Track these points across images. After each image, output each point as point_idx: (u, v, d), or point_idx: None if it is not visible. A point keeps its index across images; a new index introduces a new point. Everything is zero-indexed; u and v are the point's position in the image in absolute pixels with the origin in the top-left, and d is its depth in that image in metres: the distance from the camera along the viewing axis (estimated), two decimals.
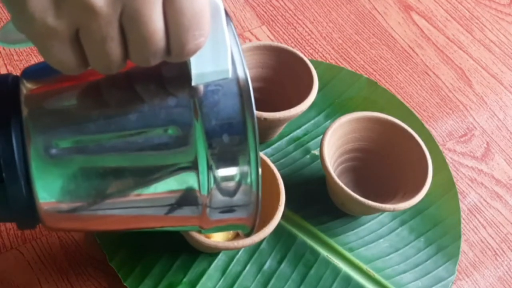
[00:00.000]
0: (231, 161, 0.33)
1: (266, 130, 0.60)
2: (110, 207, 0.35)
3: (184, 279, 0.52)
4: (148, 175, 0.34)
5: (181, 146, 0.33)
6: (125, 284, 0.51)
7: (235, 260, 0.54)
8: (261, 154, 0.53)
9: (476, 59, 0.74)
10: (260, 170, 0.33)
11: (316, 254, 0.55)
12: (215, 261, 0.53)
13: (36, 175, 0.33)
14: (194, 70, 0.31)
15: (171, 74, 0.33)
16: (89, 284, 0.52)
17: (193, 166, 0.33)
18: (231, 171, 0.33)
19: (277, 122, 0.56)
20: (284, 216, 0.50)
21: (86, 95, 0.34)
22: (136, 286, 0.51)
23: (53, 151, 0.33)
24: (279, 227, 0.50)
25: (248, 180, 0.33)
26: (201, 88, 0.32)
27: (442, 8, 0.79)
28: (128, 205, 0.35)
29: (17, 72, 0.66)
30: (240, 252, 0.54)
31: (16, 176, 0.33)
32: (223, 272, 0.53)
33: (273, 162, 0.54)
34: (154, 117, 0.33)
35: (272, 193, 0.51)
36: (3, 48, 0.68)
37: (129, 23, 0.27)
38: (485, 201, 0.62)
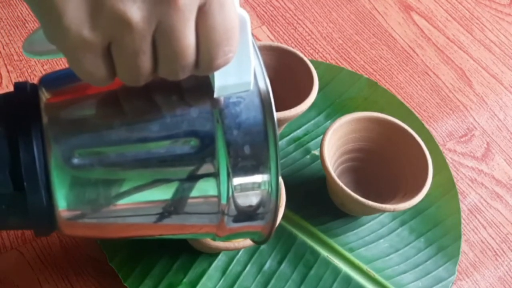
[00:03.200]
0: (252, 171, 0.33)
1: None
2: (130, 214, 0.35)
3: (184, 280, 0.52)
4: (169, 184, 0.34)
5: (202, 157, 0.33)
6: (125, 284, 0.51)
7: (235, 260, 0.54)
8: None
9: (477, 59, 0.74)
10: (280, 178, 0.33)
11: (316, 255, 0.55)
12: (215, 262, 0.53)
13: (57, 184, 0.33)
14: (217, 83, 0.31)
15: (192, 84, 0.33)
16: (89, 284, 0.52)
17: (214, 176, 0.33)
18: (251, 180, 0.33)
19: (277, 123, 0.56)
20: (284, 217, 0.50)
21: (106, 105, 0.35)
22: (136, 286, 0.51)
23: (74, 160, 0.33)
24: (279, 227, 0.50)
25: (268, 189, 0.34)
26: (223, 99, 0.33)
27: (442, 8, 0.79)
28: (148, 213, 0.36)
29: (17, 73, 0.66)
30: (240, 253, 0.54)
31: (37, 185, 0.33)
32: (223, 272, 0.53)
33: None
34: (176, 128, 0.33)
35: None
36: (3, 48, 0.68)
37: (162, 38, 0.27)
38: (485, 201, 0.62)
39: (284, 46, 0.60)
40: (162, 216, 0.36)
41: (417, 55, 0.73)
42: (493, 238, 0.59)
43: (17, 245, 0.54)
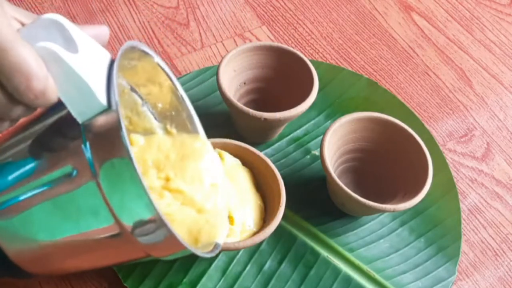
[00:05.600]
0: (124, 190, 0.34)
1: (266, 131, 0.60)
2: (61, 250, 0.39)
3: (185, 280, 0.52)
4: (68, 219, 0.37)
5: (83, 188, 0.35)
6: (125, 285, 0.51)
7: (235, 260, 0.54)
8: (262, 154, 0.53)
9: (477, 60, 0.74)
10: (149, 196, 0.33)
11: (316, 255, 0.55)
12: (215, 262, 0.53)
13: None
14: (72, 111, 0.34)
15: (65, 118, 0.36)
16: (89, 284, 0.52)
17: (100, 199, 0.35)
18: (128, 197, 0.34)
19: (277, 123, 0.56)
20: (284, 217, 0.50)
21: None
22: (136, 287, 0.51)
23: None
24: (279, 227, 0.50)
25: (142, 205, 0.34)
26: (90, 123, 0.35)
27: (443, 8, 0.79)
28: (70, 247, 0.38)
29: None
30: (240, 253, 0.54)
31: None
32: (223, 272, 0.53)
33: (274, 163, 0.54)
34: (52, 165, 0.36)
35: (272, 194, 0.51)
36: None
37: None
38: (486, 201, 0.62)
39: (284, 46, 0.60)
40: (82, 247, 0.38)
41: (417, 55, 0.73)
42: (493, 238, 0.59)
43: None
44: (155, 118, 0.47)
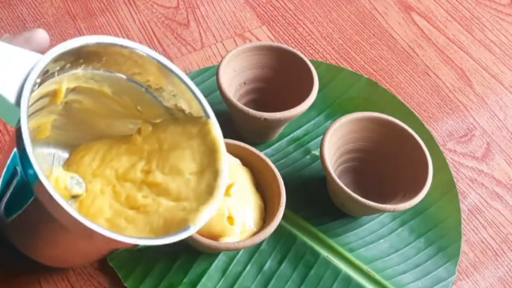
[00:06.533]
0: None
1: (266, 131, 0.60)
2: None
3: (185, 279, 0.52)
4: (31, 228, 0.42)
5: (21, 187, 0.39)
6: (125, 285, 0.51)
7: (235, 260, 0.54)
8: (262, 154, 0.53)
9: (477, 60, 0.74)
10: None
11: (316, 255, 0.55)
12: (216, 262, 0.53)
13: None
14: (5, 120, 0.38)
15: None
16: (89, 284, 0.52)
17: None
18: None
19: (277, 123, 0.56)
20: (284, 217, 0.50)
21: None
22: (136, 287, 0.51)
23: None
24: (279, 227, 0.50)
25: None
26: (17, 127, 0.37)
27: (443, 8, 0.79)
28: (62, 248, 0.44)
29: None
30: (240, 253, 0.54)
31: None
32: (224, 272, 0.53)
33: (274, 163, 0.54)
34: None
35: (272, 194, 0.51)
36: None
37: None
38: (486, 201, 0.62)
39: (284, 46, 0.60)
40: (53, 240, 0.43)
41: (417, 55, 0.73)
42: (493, 238, 0.59)
43: None
44: (162, 104, 0.47)
